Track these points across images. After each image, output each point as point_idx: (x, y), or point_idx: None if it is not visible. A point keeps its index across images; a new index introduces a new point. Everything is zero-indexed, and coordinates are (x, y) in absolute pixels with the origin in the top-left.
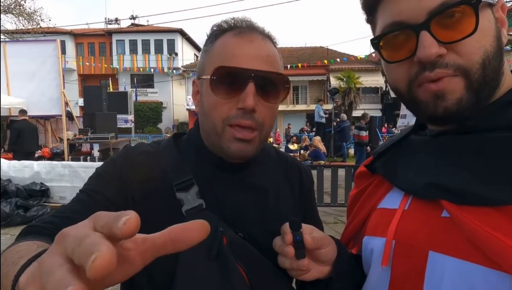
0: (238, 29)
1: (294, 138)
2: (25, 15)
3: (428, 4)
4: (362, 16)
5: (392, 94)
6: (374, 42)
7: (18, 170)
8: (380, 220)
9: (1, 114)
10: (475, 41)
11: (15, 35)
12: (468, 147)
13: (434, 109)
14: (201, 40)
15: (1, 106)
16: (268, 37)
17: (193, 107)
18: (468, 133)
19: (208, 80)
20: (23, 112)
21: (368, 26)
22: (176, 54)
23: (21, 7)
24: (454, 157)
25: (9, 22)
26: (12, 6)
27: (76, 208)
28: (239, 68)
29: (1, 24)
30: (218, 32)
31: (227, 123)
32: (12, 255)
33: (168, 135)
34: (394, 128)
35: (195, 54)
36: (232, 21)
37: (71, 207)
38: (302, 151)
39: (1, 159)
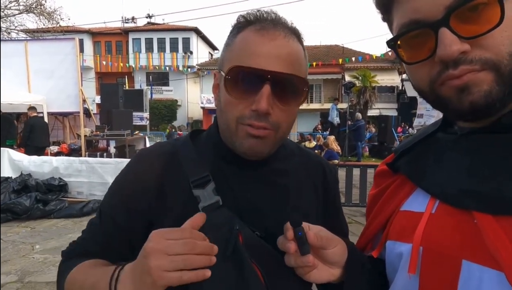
0: (260, 24)
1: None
2: (46, 14)
3: None
4: (378, 14)
5: (409, 93)
6: (391, 44)
7: (38, 165)
8: (405, 224)
9: (20, 111)
10: (502, 30)
11: (36, 34)
12: (504, 148)
13: (459, 104)
14: (215, 39)
15: (21, 103)
16: (294, 33)
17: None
18: (503, 132)
19: (223, 79)
20: (32, 108)
21: (385, 24)
22: (191, 53)
23: (42, 7)
24: (489, 159)
25: (31, 21)
26: (34, 6)
27: (102, 230)
28: (255, 68)
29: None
30: (241, 26)
31: (241, 122)
32: (83, 282)
33: (181, 132)
34: (410, 128)
35: (209, 53)
36: (257, 14)
37: (96, 233)
38: (316, 151)
39: (22, 155)
